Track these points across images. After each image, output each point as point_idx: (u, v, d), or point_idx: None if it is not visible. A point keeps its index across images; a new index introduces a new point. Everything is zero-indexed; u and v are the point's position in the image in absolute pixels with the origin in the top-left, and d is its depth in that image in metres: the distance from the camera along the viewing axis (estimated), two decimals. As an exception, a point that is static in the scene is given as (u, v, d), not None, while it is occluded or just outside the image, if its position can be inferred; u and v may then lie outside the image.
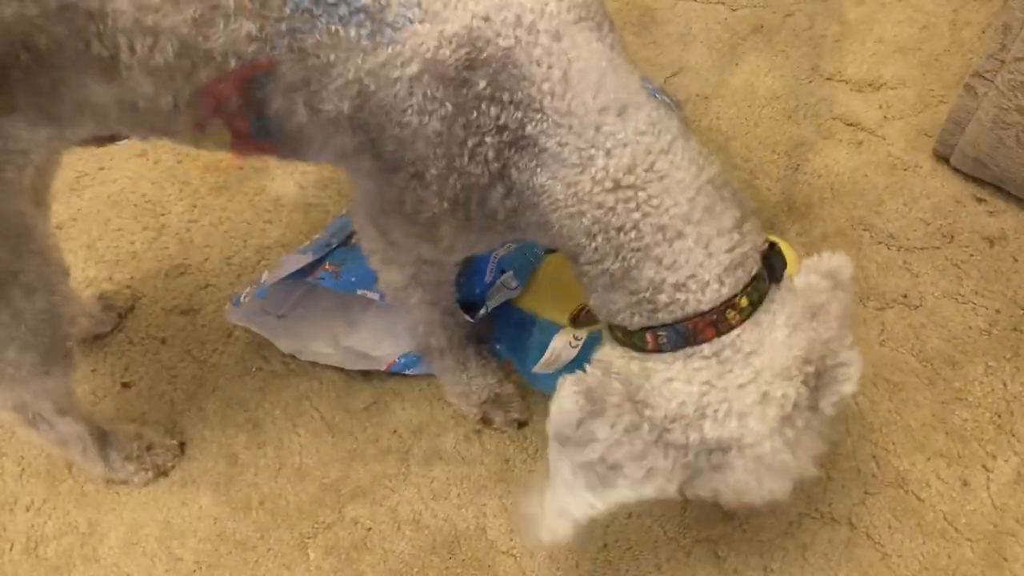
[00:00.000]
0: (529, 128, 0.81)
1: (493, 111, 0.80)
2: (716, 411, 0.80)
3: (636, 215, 0.80)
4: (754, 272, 0.82)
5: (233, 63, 0.78)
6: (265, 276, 1.22)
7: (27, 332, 0.93)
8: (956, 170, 1.44)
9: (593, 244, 0.83)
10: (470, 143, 0.82)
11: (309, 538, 1.16)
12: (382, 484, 1.19)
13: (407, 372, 1.25)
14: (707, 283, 0.80)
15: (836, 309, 0.84)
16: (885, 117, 1.52)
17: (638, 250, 0.81)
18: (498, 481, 1.19)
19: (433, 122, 0.81)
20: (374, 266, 1.08)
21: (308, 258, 1.21)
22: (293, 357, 1.28)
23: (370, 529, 1.16)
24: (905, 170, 1.45)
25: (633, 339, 0.84)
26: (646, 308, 0.82)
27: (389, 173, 0.87)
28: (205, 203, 1.44)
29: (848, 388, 0.84)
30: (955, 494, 1.16)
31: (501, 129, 0.81)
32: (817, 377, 0.83)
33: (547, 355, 1.11)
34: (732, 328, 0.81)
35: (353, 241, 1.23)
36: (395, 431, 1.23)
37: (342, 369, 1.28)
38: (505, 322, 1.21)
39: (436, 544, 1.15)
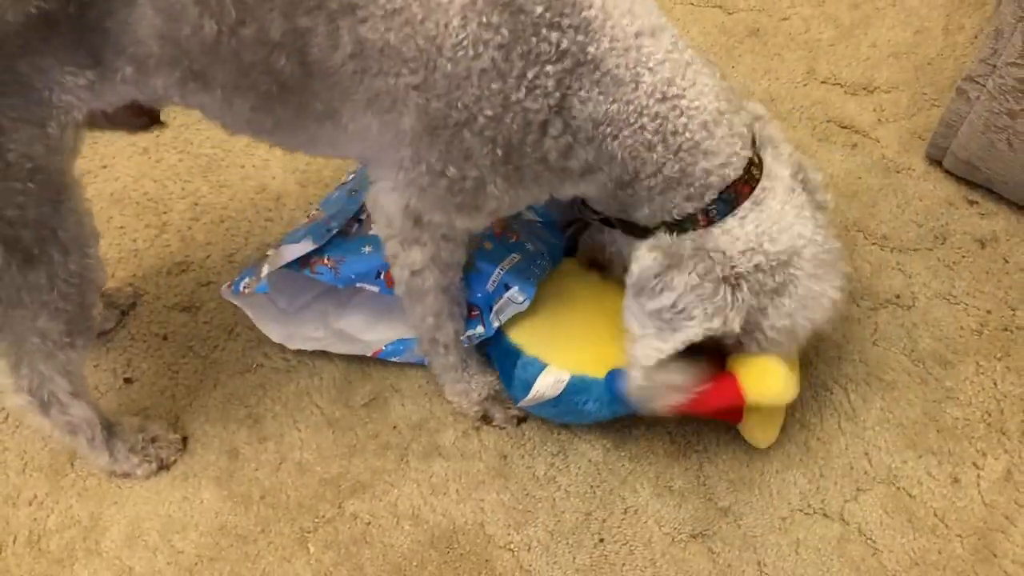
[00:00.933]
0: (591, 49, 0.87)
1: (554, 36, 0.85)
2: (770, 235, 0.97)
3: (683, 119, 0.93)
4: (751, 135, 1.00)
5: None
6: (265, 268, 1.22)
7: (58, 297, 0.94)
8: (948, 173, 1.46)
9: (654, 155, 0.94)
10: (529, 74, 0.85)
11: (309, 532, 1.17)
12: (381, 479, 1.21)
13: (393, 359, 1.25)
14: (738, 154, 0.96)
15: (776, 133, 1.03)
16: (879, 120, 1.54)
17: (691, 149, 0.94)
18: (496, 477, 1.20)
19: (489, 52, 0.84)
20: (391, 251, 1.07)
21: (308, 246, 1.20)
22: (294, 353, 1.30)
23: (369, 523, 1.18)
24: (898, 172, 1.47)
25: (684, 225, 0.98)
26: (699, 193, 0.96)
27: (434, 130, 0.88)
28: (207, 201, 1.45)
29: (820, 176, 1.08)
30: (946, 491, 1.18)
31: (562, 55, 0.86)
32: (805, 183, 1.03)
33: (532, 394, 1.14)
34: (758, 181, 0.98)
35: (355, 231, 1.22)
36: (395, 427, 1.25)
37: (342, 365, 1.29)
38: (492, 346, 1.21)
39: (435, 538, 1.16)
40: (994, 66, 1.27)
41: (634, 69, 0.89)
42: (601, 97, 0.89)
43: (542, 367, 1.13)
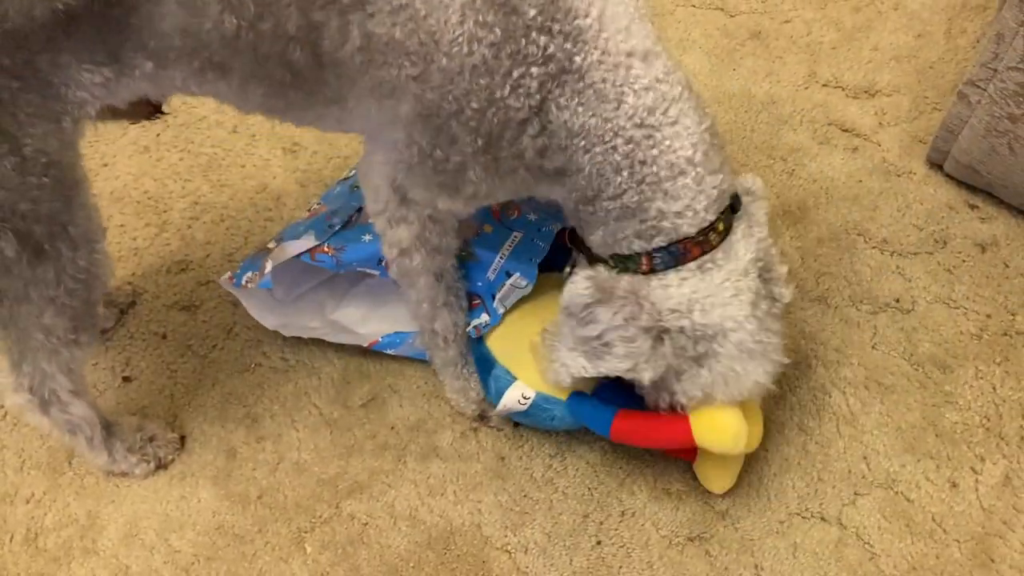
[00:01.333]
0: (578, 60, 0.88)
1: (542, 40, 0.87)
2: (702, 305, 0.96)
3: (654, 152, 0.92)
4: (727, 203, 0.98)
5: None
6: (269, 264, 1.22)
7: (65, 293, 0.95)
8: (949, 176, 1.46)
9: (619, 178, 0.93)
10: (515, 73, 0.88)
11: (306, 532, 1.17)
12: (379, 480, 1.21)
13: (389, 351, 1.26)
14: (696, 212, 0.95)
15: (760, 214, 1.02)
16: (880, 123, 1.53)
17: (654, 183, 0.93)
18: (493, 478, 1.20)
19: (481, 50, 0.86)
20: (379, 228, 1.10)
21: (310, 242, 1.21)
22: (293, 353, 1.30)
23: (366, 524, 1.18)
24: (899, 176, 1.47)
25: (628, 263, 0.98)
26: (648, 234, 0.96)
27: (427, 117, 0.92)
28: (207, 200, 1.46)
29: (784, 270, 1.06)
30: (944, 495, 1.18)
31: (548, 59, 0.87)
32: (766, 271, 1.02)
33: (500, 407, 1.16)
34: (713, 248, 0.96)
35: (353, 220, 1.23)
36: (392, 427, 1.25)
37: (340, 366, 1.29)
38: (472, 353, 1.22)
39: (431, 539, 1.16)
40: (995, 70, 1.27)
41: (619, 88, 0.89)
42: (580, 108, 0.90)
43: (511, 381, 1.14)
